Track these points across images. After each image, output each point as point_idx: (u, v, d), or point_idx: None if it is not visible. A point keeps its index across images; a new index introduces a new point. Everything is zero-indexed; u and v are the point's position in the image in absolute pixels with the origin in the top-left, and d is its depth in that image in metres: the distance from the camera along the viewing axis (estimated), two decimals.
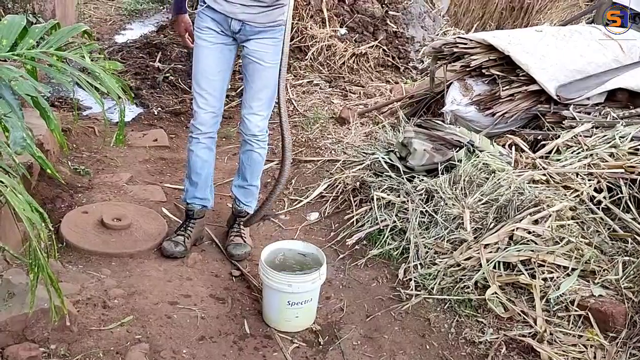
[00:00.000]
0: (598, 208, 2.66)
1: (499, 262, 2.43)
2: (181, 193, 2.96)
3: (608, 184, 2.74)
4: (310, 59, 5.09)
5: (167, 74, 4.90)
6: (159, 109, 4.45)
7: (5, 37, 1.68)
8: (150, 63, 5.09)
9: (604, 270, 2.39)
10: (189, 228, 2.75)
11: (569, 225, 2.51)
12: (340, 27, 5.44)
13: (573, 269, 2.37)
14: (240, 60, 2.69)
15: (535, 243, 2.42)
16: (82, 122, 3.96)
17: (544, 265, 2.36)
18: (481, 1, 7.26)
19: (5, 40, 1.67)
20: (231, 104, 4.45)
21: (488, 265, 2.40)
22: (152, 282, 2.48)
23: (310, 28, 5.15)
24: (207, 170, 2.74)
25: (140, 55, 5.29)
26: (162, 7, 7.76)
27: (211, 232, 2.93)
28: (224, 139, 4.00)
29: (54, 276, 1.60)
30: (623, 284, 2.32)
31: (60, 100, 4.30)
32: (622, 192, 2.68)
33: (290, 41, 5.05)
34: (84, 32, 1.91)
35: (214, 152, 2.75)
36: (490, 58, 3.54)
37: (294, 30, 5.12)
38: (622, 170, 2.76)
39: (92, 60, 1.82)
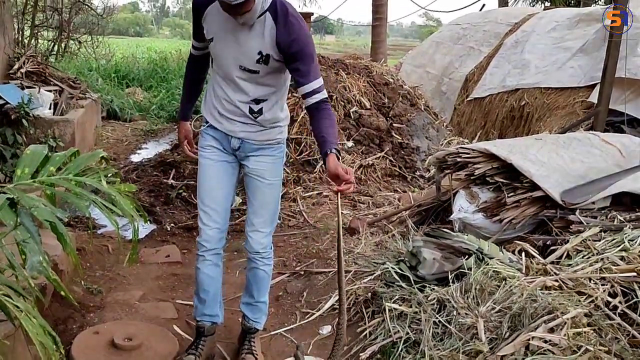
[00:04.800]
0: (614, 313, 2.61)
1: None
2: (192, 309, 2.96)
3: (622, 288, 2.71)
4: (319, 171, 5.23)
5: (180, 190, 5.03)
6: (172, 225, 4.53)
7: (27, 165, 1.79)
8: (164, 180, 5.24)
9: None
10: (199, 346, 2.71)
11: (585, 332, 2.45)
12: (347, 140, 5.64)
13: None
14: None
15: (553, 353, 2.36)
16: (97, 240, 4.03)
17: None
18: (482, 111, 7.53)
19: (27, 169, 1.78)
20: (242, 217, 4.52)
21: None
22: None
23: None
24: (215, 286, 2.73)
25: (155, 173, 5.47)
26: (175, 126, 8.12)
27: (222, 349, 2.89)
28: (235, 253, 4.03)
29: None
30: None
31: (76, 219, 4.40)
32: (637, 296, 2.64)
33: (299, 155, 5.27)
34: (101, 157, 2.02)
35: (221, 267, 2.76)
36: (494, 166, 3.63)
37: (302, 145, 5.32)
38: (635, 274, 2.74)
39: (108, 183, 1.91)
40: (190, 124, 2.82)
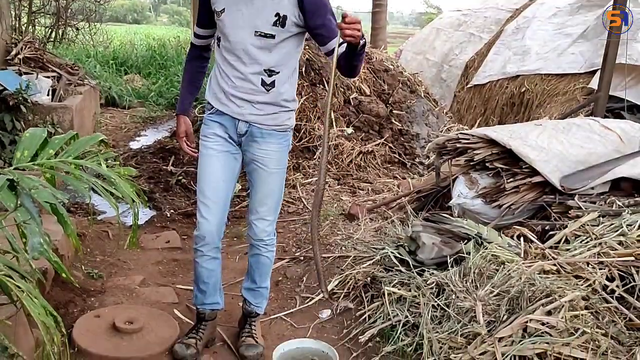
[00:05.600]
0: (612, 297, 2.63)
1: (514, 355, 2.37)
2: (192, 294, 2.97)
3: (620, 272, 2.73)
4: (319, 158, 5.23)
5: (180, 177, 5.03)
6: (172, 211, 4.54)
7: (27, 148, 1.79)
8: (164, 167, 5.24)
9: None
10: (200, 330, 2.73)
11: (583, 315, 2.47)
12: (347, 126, 5.64)
13: None
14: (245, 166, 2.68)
15: (550, 335, 2.37)
16: (97, 226, 4.05)
17: (560, 358, 2.30)
18: (482, 98, 7.52)
19: (26, 152, 1.78)
20: (242, 203, 4.54)
21: (504, 359, 2.35)
22: None
23: (318, 129, 5.34)
24: (215, 278, 2.71)
25: (154, 159, 5.47)
26: (175, 114, 8.09)
27: (223, 332, 2.91)
28: (235, 239, 4.05)
29: None
30: None
31: (76, 205, 4.41)
32: (634, 280, 2.66)
33: (299, 142, 5.27)
34: (100, 141, 2.02)
35: (220, 258, 2.72)
36: (493, 152, 3.63)
37: (301, 132, 5.31)
38: (633, 258, 2.75)
39: (108, 167, 1.91)
40: (193, 112, 2.77)
